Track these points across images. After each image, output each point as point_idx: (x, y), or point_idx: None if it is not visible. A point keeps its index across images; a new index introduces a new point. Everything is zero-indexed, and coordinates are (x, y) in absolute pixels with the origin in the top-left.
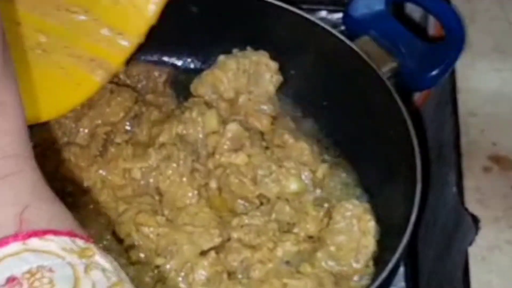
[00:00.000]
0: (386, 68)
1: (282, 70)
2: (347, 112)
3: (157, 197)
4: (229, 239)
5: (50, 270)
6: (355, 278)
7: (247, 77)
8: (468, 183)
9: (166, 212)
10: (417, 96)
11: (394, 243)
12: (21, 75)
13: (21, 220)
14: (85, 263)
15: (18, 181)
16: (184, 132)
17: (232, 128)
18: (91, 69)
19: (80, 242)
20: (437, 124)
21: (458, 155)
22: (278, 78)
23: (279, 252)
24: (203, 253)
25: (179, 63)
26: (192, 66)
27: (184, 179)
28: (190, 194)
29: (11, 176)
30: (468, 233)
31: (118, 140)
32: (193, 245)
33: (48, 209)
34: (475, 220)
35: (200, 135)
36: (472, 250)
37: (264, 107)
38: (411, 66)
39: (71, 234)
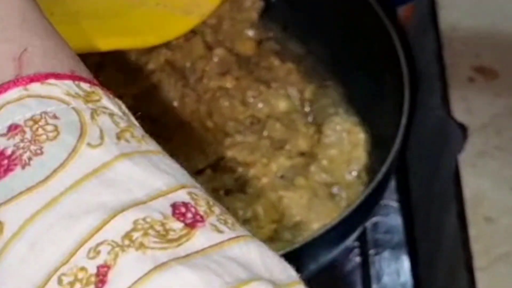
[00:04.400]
0: None
1: None
2: (332, 32)
3: (150, 123)
4: (223, 158)
5: (55, 116)
6: (348, 189)
7: (229, 3)
8: (454, 94)
9: (160, 136)
10: (400, 14)
11: (385, 154)
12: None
13: (20, 63)
14: (91, 108)
15: (4, 11)
16: (172, 58)
17: (219, 52)
18: None
19: (85, 86)
20: (420, 41)
21: (442, 67)
22: (259, 4)
23: (273, 167)
24: (199, 172)
25: None
26: None
27: (175, 103)
28: (182, 118)
29: (2, 3)
30: (456, 142)
31: (108, 68)
32: (189, 165)
33: (45, 46)
34: (463, 129)
35: (188, 61)
36: (462, 158)
37: (248, 32)
38: None
39: (74, 77)
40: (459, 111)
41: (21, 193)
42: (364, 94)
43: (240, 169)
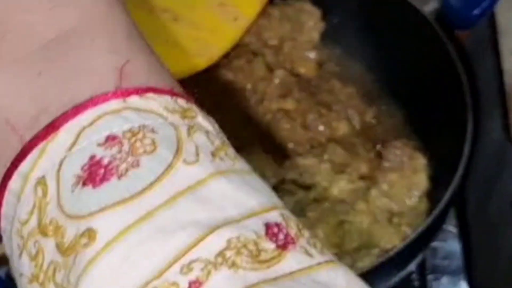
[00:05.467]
0: (428, 7)
1: (325, 16)
2: (393, 55)
3: None
4: (283, 181)
5: (152, 130)
6: (408, 213)
7: (290, 24)
8: None
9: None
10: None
11: (446, 179)
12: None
13: (122, 74)
14: (188, 125)
15: (113, 23)
16: (234, 79)
17: (280, 74)
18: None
19: (182, 102)
20: (478, 65)
21: (502, 92)
22: (321, 25)
23: (334, 191)
24: None
25: None
26: None
27: (236, 125)
28: (242, 140)
29: (105, 17)
30: None
31: None
32: None
33: (146, 61)
34: None
35: (249, 82)
36: None
37: (309, 53)
38: (453, 6)
39: (172, 92)
40: None
41: (116, 203)
42: (425, 118)
43: (300, 192)
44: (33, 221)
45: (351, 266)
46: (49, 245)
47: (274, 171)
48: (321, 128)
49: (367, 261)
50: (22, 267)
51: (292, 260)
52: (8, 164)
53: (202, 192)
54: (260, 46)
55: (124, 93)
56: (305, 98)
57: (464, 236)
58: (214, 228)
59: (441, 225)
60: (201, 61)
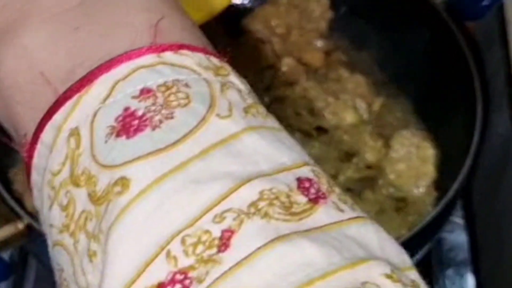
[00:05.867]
0: None
1: (333, 5)
2: (401, 45)
3: None
4: None
5: (186, 85)
6: (416, 203)
7: (298, 12)
8: None
9: None
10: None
11: (455, 170)
12: None
13: (156, 31)
14: (220, 81)
15: None
16: (240, 66)
17: (287, 62)
18: None
19: (215, 60)
20: (485, 57)
21: (510, 83)
22: (329, 14)
23: (341, 179)
24: None
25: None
26: (243, 3)
27: None
28: None
29: None
30: None
31: None
32: None
33: (181, 19)
34: None
35: (256, 70)
36: None
37: (317, 42)
38: None
39: (206, 51)
40: None
41: (150, 153)
42: (434, 108)
43: None
44: (65, 172)
45: None
46: (81, 194)
47: None
48: (328, 116)
49: None
50: (53, 218)
51: (323, 214)
52: (41, 116)
53: (235, 145)
54: (267, 34)
55: (158, 48)
56: (312, 86)
57: (471, 228)
58: (246, 180)
59: (448, 216)
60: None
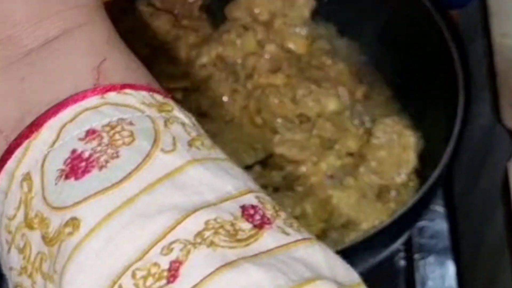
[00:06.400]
0: None
1: None
2: (385, 32)
3: (198, 117)
4: (272, 155)
5: (130, 123)
6: (397, 190)
7: (281, 0)
8: (504, 101)
9: (208, 130)
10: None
11: (436, 158)
12: None
13: (99, 73)
14: (164, 117)
15: (93, 30)
16: (223, 53)
17: (270, 49)
18: None
19: (159, 97)
20: (469, 47)
21: (493, 75)
22: (312, 2)
23: (323, 166)
24: (248, 168)
25: None
26: None
27: (225, 98)
28: (231, 113)
29: (86, 25)
30: (505, 149)
31: (158, 61)
32: (237, 160)
33: (125, 60)
34: None
35: (239, 57)
36: (510, 164)
37: (300, 30)
38: None
39: (149, 88)
40: (509, 119)
41: (97, 192)
42: (416, 97)
43: (289, 167)
44: (20, 216)
45: (339, 241)
46: (35, 237)
47: (264, 145)
48: (310, 103)
49: (354, 237)
50: (12, 261)
51: (269, 238)
52: None
53: (180, 178)
54: (250, 21)
55: (102, 90)
56: (295, 74)
57: (451, 216)
58: (192, 211)
59: (429, 203)
60: None
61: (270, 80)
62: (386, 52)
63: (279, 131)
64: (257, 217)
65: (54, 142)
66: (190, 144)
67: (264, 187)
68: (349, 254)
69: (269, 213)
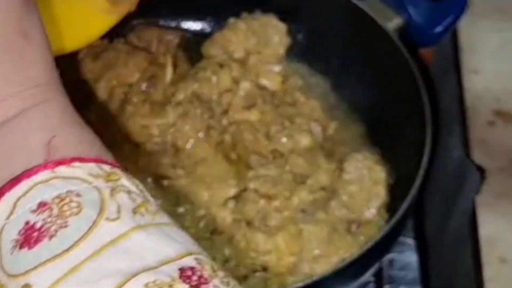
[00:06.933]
0: (391, 24)
1: (291, 31)
2: (357, 70)
3: (174, 153)
4: (245, 190)
5: (78, 194)
6: (367, 224)
7: (256, 38)
8: (473, 136)
9: (183, 166)
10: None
11: (405, 192)
12: (43, 8)
13: (50, 148)
14: (111, 187)
15: (49, 107)
16: (199, 90)
17: (245, 86)
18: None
19: (107, 167)
20: (441, 82)
21: (463, 109)
22: (286, 40)
23: (295, 200)
24: (222, 203)
25: (191, 26)
26: (203, 29)
27: (201, 135)
28: (206, 149)
29: (43, 103)
30: (474, 183)
31: (135, 99)
32: (212, 195)
33: (76, 134)
34: (481, 171)
35: (214, 94)
36: (479, 199)
37: (274, 67)
38: (416, 23)
39: (97, 160)
40: (478, 154)
41: (47, 260)
42: (387, 132)
43: (262, 202)
44: None
45: (310, 274)
46: None
47: (238, 181)
48: (283, 139)
49: (325, 269)
50: None
51: None
52: None
53: (124, 244)
54: (226, 59)
55: (52, 164)
56: (269, 110)
57: (421, 248)
58: (133, 275)
59: (397, 236)
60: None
61: (244, 116)
62: (357, 89)
63: (253, 167)
64: (195, 278)
65: (9, 215)
66: (134, 211)
67: (237, 221)
68: (320, 286)
69: (207, 273)
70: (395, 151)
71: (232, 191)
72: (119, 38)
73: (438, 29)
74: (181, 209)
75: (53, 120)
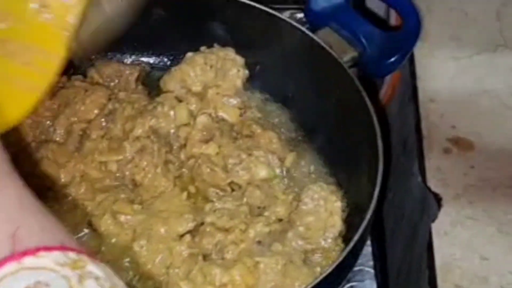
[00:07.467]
0: (347, 57)
1: (248, 64)
2: (312, 102)
3: (133, 188)
4: (202, 224)
5: (46, 284)
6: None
7: (214, 71)
8: (430, 164)
9: (141, 201)
10: (383, 94)
11: (360, 222)
12: None
13: (15, 240)
14: (78, 274)
15: (6, 197)
16: (157, 125)
17: (202, 120)
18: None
19: (72, 254)
20: (401, 116)
21: (419, 138)
22: (244, 72)
23: (251, 233)
24: (179, 237)
25: (149, 61)
26: (162, 64)
27: (159, 169)
28: (164, 184)
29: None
30: (431, 211)
31: (93, 135)
32: (169, 230)
33: (39, 222)
34: (438, 198)
35: (172, 128)
36: (435, 226)
37: (232, 100)
38: (371, 55)
39: (62, 248)
40: (435, 181)
41: None
42: (342, 163)
43: (219, 235)
44: None
45: None
46: None
47: (195, 214)
48: (241, 172)
49: None
50: None
51: None
52: None
53: None
54: (184, 93)
55: (18, 256)
56: (227, 143)
57: (382, 276)
58: None
59: (353, 265)
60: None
61: (202, 150)
62: (314, 121)
63: (211, 200)
64: None
65: None
66: None
67: (194, 255)
68: None
69: None
70: (350, 181)
71: (189, 225)
72: (77, 75)
73: (393, 59)
74: (137, 245)
75: (13, 210)
